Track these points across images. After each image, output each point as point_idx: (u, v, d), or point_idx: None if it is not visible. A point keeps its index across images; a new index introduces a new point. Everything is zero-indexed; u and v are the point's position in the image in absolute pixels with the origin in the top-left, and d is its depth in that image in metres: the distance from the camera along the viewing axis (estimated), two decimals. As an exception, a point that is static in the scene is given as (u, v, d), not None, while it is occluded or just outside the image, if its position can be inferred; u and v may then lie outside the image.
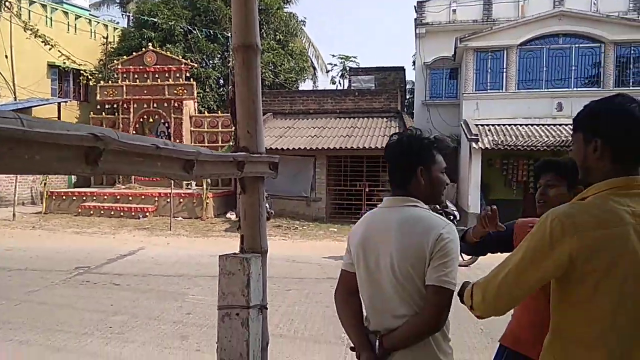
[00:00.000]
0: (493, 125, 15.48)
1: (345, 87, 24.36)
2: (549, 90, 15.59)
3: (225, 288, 1.75)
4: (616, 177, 1.41)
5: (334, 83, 29.91)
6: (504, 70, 15.94)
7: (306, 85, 26.05)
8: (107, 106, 17.23)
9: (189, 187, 15.58)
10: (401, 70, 21.45)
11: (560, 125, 14.82)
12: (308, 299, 6.33)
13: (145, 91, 16.50)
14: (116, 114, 16.92)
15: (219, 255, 1.82)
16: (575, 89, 15.26)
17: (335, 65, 30.50)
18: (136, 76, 16.69)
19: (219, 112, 17.87)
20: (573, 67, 15.53)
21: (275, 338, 5.08)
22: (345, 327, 1.87)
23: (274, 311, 5.91)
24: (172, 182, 13.93)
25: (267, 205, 12.02)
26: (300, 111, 17.32)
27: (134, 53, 17.36)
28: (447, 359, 1.73)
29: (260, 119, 1.98)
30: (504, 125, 15.46)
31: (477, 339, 4.86)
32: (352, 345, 1.83)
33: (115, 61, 18.15)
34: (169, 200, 13.63)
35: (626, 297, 1.33)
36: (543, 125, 15.11)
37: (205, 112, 18.28)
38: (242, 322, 1.70)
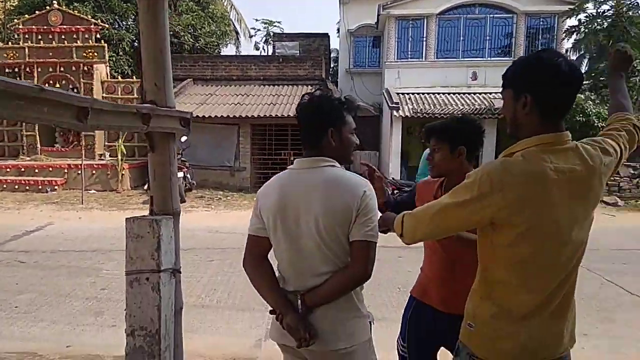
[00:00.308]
0: (413, 93, 15.92)
1: (269, 53, 23.87)
2: (465, 59, 16.23)
3: (133, 252, 1.62)
4: (544, 132, 1.46)
5: (257, 49, 29.23)
6: (424, 39, 16.33)
7: (228, 50, 25.19)
8: (7, 70, 15.62)
9: (102, 158, 14.68)
10: (326, 37, 21.32)
11: (474, 94, 15.55)
12: (232, 268, 6.24)
13: (50, 54, 15.10)
14: (18, 78, 15.39)
15: (126, 218, 1.68)
16: (489, 58, 16.00)
17: (259, 30, 29.75)
18: (40, 37, 15.20)
19: (134, 77, 16.83)
20: (487, 38, 16.23)
21: (197, 309, 5.00)
22: (262, 291, 1.84)
23: (196, 282, 5.78)
24: (83, 152, 13.05)
25: (188, 175, 11.61)
26: (222, 77, 16.72)
27: (36, 12, 15.76)
28: (362, 306, 1.83)
29: (169, 71, 1.83)
30: (423, 93, 15.95)
31: (395, 297, 5.06)
32: (272, 308, 1.82)
33: (15, 20, 16.42)
34: (79, 172, 12.75)
35: (544, 248, 1.44)
36: (459, 94, 15.76)
37: (119, 77, 17.12)
38: (152, 286, 1.59)
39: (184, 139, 12.33)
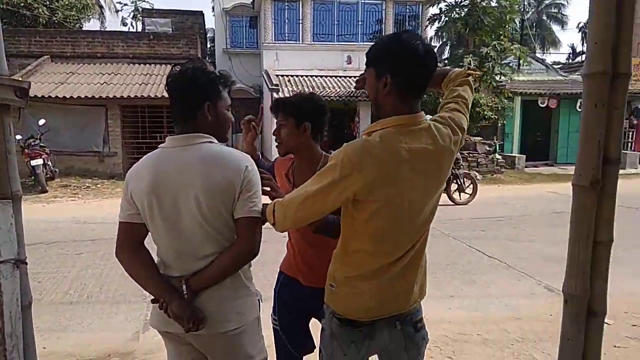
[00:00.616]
0: (292, 76, 16.02)
1: (139, 30, 22.33)
2: (340, 43, 16.70)
3: (-37, 244, 1.37)
4: (402, 113, 1.54)
5: (125, 25, 27.21)
6: (300, 21, 16.46)
7: (91, 25, 23.10)
8: None
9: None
10: (200, 14, 20.46)
11: (350, 77, 16.09)
12: (103, 260, 5.80)
13: None
14: None
15: (-50, 205, 1.42)
16: (362, 43, 16.63)
17: (126, 5, 27.66)
18: None
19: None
20: (360, 23, 16.84)
21: (65, 305, 4.56)
22: (142, 280, 1.71)
23: (63, 277, 5.29)
24: None
25: (49, 163, 10.42)
26: (85, 55, 15.30)
27: None
28: (251, 284, 1.80)
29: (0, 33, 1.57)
30: (302, 76, 16.13)
31: (279, 276, 5.11)
32: (154, 297, 1.70)
33: None
34: None
35: (397, 222, 1.56)
36: (336, 77, 16.21)
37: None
38: (-10, 282, 1.37)
39: (42, 122, 11.13)
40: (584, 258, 1.39)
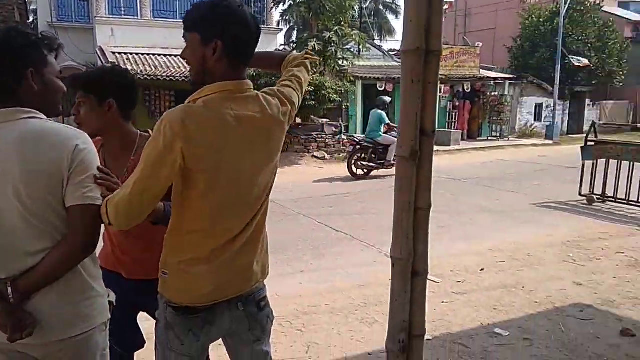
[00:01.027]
0: (132, 54, 14.91)
1: None
2: (184, 22, 15.96)
3: None
4: (229, 79, 1.49)
5: None
6: (138, -5, 15.34)
7: None
8: None
9: None
10: (16, -18, 17.84)
11: (197, 57, 15.49)
12: None
13: None
14: None
15: None
16: (207, 22, 16.09)
17: None
18: None
19: None
20: (205, 1, 16.27)
21: None
22: None
23: None
24: None
25: None
26: None
27: None
28: (97, 284, 1.57)
29: None
30: (142, 54, 15.09)
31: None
32: None
33: None
34: None
35: (230, 194, 1.50)
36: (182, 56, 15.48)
37: None
38: None
39: None
40: (407, 224, 1.50)
